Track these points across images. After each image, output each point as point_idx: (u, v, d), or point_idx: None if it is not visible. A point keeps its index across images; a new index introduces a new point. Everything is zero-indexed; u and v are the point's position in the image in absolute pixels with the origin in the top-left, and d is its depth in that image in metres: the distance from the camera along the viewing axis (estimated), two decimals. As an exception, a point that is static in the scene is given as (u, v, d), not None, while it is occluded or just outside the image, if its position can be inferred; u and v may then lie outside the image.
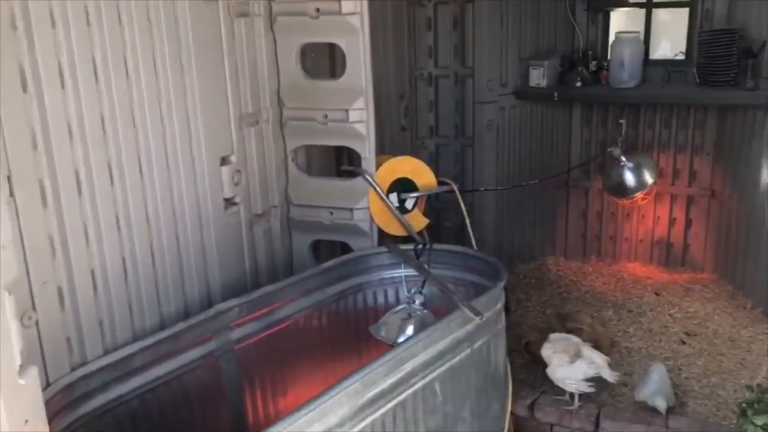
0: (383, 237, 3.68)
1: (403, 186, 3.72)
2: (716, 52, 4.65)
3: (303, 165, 3.76)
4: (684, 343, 4.34)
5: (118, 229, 2.73)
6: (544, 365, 3.64)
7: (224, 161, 3.26)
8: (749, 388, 2.99)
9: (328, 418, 2.33)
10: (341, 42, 3.41)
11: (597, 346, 3.83)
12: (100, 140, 2.60)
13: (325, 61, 3.88)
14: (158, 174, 2.90)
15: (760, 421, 2.75)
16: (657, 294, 4.98)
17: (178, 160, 3.00)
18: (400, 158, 3.75)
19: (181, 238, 3.06)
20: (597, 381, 3.54)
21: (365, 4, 3.29)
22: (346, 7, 3.29)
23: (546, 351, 3.61)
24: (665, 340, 4.37)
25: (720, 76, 4.65)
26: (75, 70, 2.47)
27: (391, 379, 2.58)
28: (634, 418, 3.52)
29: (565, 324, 4.14)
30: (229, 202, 3.32)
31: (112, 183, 2.67)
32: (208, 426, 2.98)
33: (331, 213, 3.64)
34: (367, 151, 3.50)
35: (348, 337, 3.56)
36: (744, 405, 2.89)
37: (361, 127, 3.46)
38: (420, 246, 3.52)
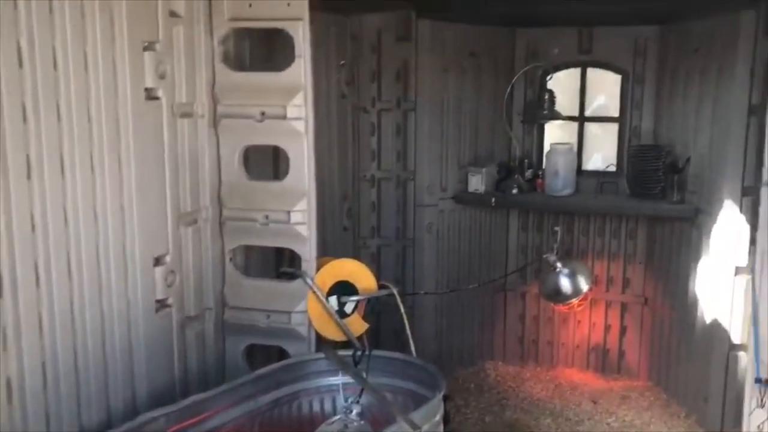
0: (321, 342, 3.59)
1: (344, 289, 3.66)
2: (644, 166, 4.88)
3: (241, 266, 3.68)
4: (622, 455, 4.32)
5: (41, 330, 2.57)
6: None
7: (158, 261, 3.16)
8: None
9: None
10: (286, 145, 3.43)
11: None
12: (29, 238, 2.48)
13: (268, 161, 3.88)
14: (87, 272, 2.77)
15: None
16: (594, 402, 4.98)
17: (110, 259, 2.89)
18: (341, 261, 3.72)
19: (107, 341, 2.90)
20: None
21: (310, 109, 3.34)
22: (292, 112, 3.32)
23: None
24: (604, 450, 4.34)
25: (648, 189, 4.86)
26: (7, 165, 2.38)
27: (324, 499, 2.44)
28: None
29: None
30: (161, 303, 3.20)
31: (38, 283, 2.54)
32: None
33: (268, 316, 3.54)
34: (308, 252, 3.47)
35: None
36: None
37: (302, 229, 3.44)
38: (359, 352, 3.43)
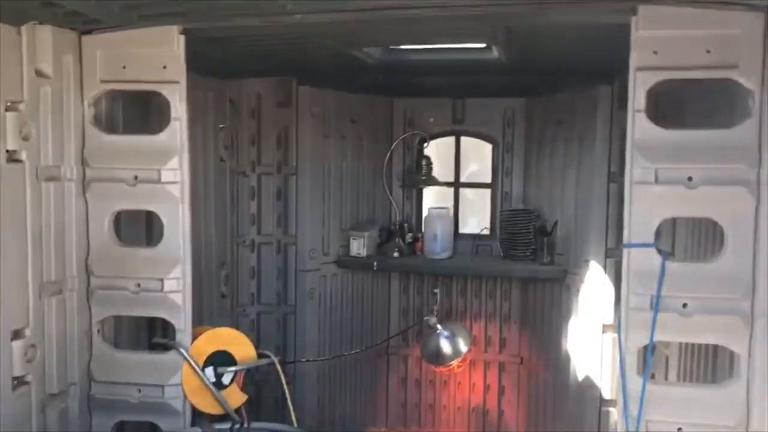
0: (197, 416, 3.42)
1: (221, 359, 3.53)
2: (515, 229, 5.10)
3: (110, 338, 3.48)
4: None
5: None
6: None
7: (17, 335, 2.92)
8: None
9: None
10: (160, 210, 3.32)
11: None
12: None
13: (141, 227, 3.74)
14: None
15: None
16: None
17: (-41, 335, 2.65)
18: (217, 330, 3.59)
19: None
20: None
21: (186, 173, 3.26)
22: (167, 176, 3.23)
23: None
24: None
25: (520, 251, 5.07)
26: None
27: None
28: None
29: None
30: (19, 381, 2.95)
31: None
32: None
33: (139, 390, 3.34)
34: (182, 322, 3.33)
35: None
36: None
37: (176, 297, 3.31)
38: (237, 425, 3.30)
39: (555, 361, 4.92)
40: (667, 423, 2.97)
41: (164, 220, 3.30)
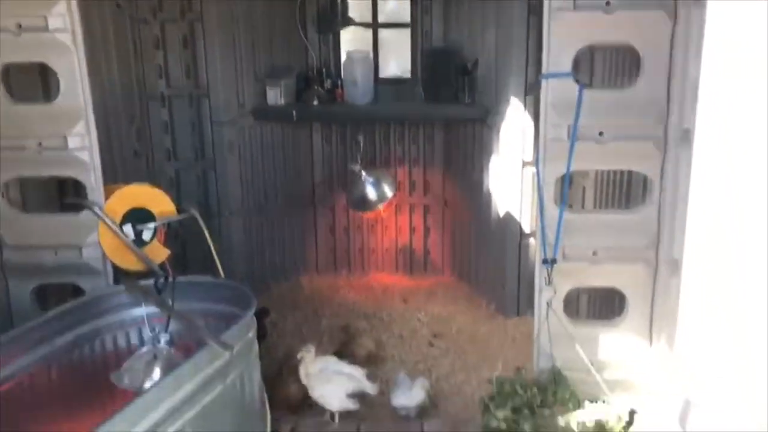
0: (120, 274, 3.36)
1: (139, 216, 3.42)
2: (436, 70, 4.99)
3: (17, 201, 3.30)
4: (432, 345, 4.57)
5: None
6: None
7: None
8: (490, 381, 3.20)
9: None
10: (52, 62, 3.05)
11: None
12: None
13: (36, 82, 3.46)
14: None
15: (500, 414, 2.94)
16: (405, 301, 5.20)
17: None
18: (132, 186, 3.45)
19: None
20: (357, 394, 3.56)
21: (77, 19, 2.98)
22: (54, 22, 2.95)
23: (302, 372, 3.56)
24: (415, 345, 4.57)
25: (442, 93, 4.99)
26: None
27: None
28: (392, 427, 3.60)
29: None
30: None
31: None
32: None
33: (56, 253, 3.24)
34: (92, 180, 3.18)
35: (89, 391, 3.18)
36: (486, 401, 3.08)
37: (83, 155, 3.14)
38: (162, 280, 3.26)
39: (477, 200, 5.03)
40: (583, 248, 3.11)
41: (58, 71, 3.05)
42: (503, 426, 2.90)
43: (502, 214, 4.70)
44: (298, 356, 3.55)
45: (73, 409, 3.10)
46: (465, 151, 5.19)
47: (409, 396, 3.66)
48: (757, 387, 2.05)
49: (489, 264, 5.02)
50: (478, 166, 4.96)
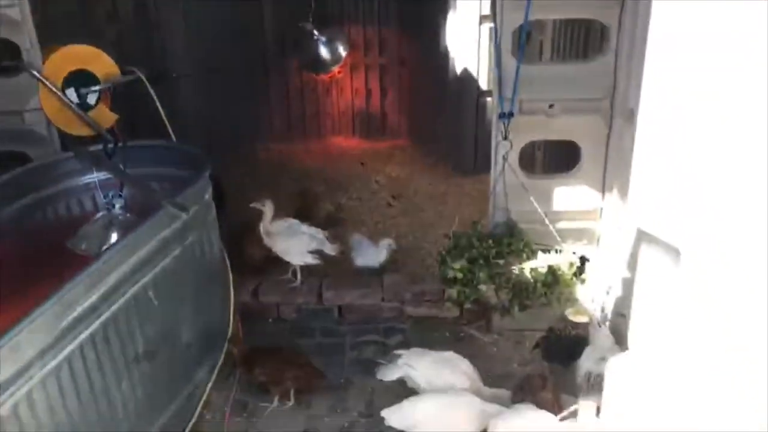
0: (67, 140, 3.24)
1: (82, 79, 3.25)
2: None
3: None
4: (390, 205, 4.62)
5: None
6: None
7: None
8: (447, 236, 3.27)
9: (24, 353, 2.05)
10: None
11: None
12: None
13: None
14: None
15: (457, 265, 3.02)
16: (362, 164, 5.19)
17: None
18: (72, 47, 3.24)
19: None
20: (319, 255, 3.62)
21: None
22: None
23: (262, 230, 3.58)
24: (374, 206, 4.62)
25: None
26: None
27: (96, 294, 2.33)
28: (353, 284, 3.69)
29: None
30: None
31: None
32: None
33: (-5, 119, 3.10)
34: (26, 41, 2.99)
35: (45, 258, 3.15)
36: (443, 254, 3.15)
37: (12, 12, 2.93)
38: (111, 145, 3.16)
39: (434, 59, 4.92)
40: (540, 101, 3.09)
41: None
42: (459, 276, 2.99)
43: (459, 71, 4.62)
44: (257, 205, 3.54)
45: (30, 275, 3.08)
46: (421, 8, 5.01)
47: (371, 256, 3.73)
48: (706, 227, 2.10)
49: (447, 125, 4.99)
50: (435, 23, 4.81)
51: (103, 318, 2.38)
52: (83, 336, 2.29)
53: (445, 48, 4.73)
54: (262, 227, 3.58)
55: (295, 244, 3.59)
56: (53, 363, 2.16)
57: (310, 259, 3.60)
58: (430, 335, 3.45)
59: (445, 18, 4.67)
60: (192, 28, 4.77)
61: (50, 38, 3.36)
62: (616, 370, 0.96)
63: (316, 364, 3.16)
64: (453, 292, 3.07)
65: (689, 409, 1.73)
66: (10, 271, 2.98)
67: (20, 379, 2.05)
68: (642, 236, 2.60)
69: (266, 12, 5.31)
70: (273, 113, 5.64)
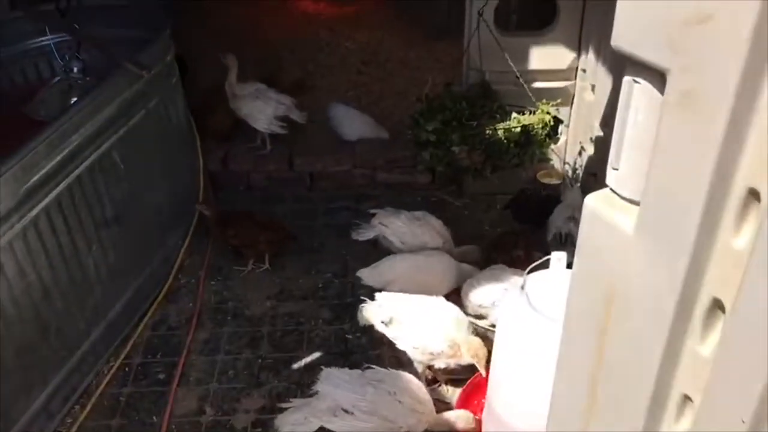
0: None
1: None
2: None
3: None
4: (360, 72, 4.49)
5: None
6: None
7: None
8: (419, 99, 3.19)
9: (-13, 214, 2.00)
10: None
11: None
12: None
13: None
14: None
15: (430, 126, 2.97)
16: (331, 29, 4.99)
17: None
18: None
19: None
20: (286, 123, 3.54)
21: None
22: None
23: (228, 92, 3.49)
24: (344, 73, 4.48)
25: None
26: None
27: (57, 157, 2.26)
28: (324, 151, 3.64)
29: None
30: None
31: None
32: None
33: None
34: None
35: (1, 128, 3.04)
36: (416, 116, 3.09)
37: None
38: (64, 4, 2.97)
39: None
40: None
41: None
42: (432, 138, 2.95)
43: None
44: (222, 59, 3.42)
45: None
46: None
47: (358, 127, 3.67)
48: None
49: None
50: None
51: (67, 181, 2.33)
52: (48, 200, 2.24)
53: None
54: (227, 85, 3.47)
55: (262, 108, 3.49)
56: (18, 226, 2.12)
57: (277, 127, 3.52)
58: (403, 201, 3.46)
59: None
60: None
61: None
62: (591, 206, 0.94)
63: (286, 224, 3.16)
64: (426, 154, 3.04)
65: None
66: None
67: (-14, 242, 2.02)
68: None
69: None
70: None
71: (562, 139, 3.30)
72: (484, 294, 2.61)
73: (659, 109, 0.96)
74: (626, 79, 1.03)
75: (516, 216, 3.27)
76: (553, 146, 3.16)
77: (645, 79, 0.98)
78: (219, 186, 3.52)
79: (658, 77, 0.95)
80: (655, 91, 0.94)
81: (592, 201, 1.07)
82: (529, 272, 1.95)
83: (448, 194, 3.57)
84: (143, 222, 2.79)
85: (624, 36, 0.96)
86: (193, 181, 3.25)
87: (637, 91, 1.00)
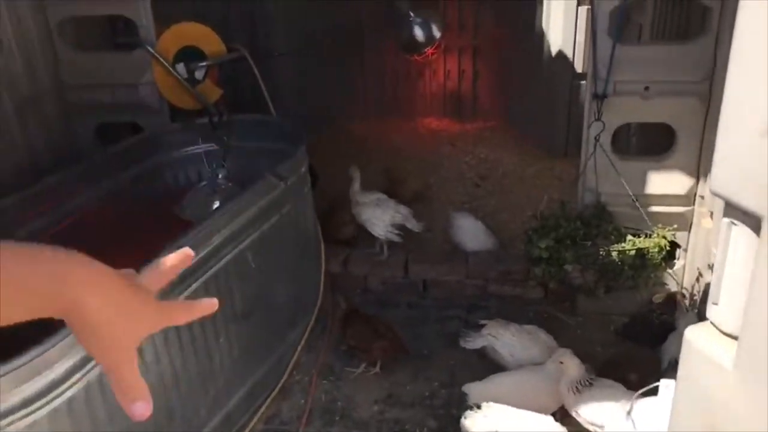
0: (176, 113, 3.46)
1: (191, 55, 3.47)
2: None
3: (73, 41, 3.37)
4: (478, 186, 4.66)
5: None
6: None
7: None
8: (534, 216, 3.29)
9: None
10: None
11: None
12: None
13: None
14: None
15: (543, 244, 3.04)
16: (452, 145, 5.24)
17: None
18: (182, 24, 3.47)
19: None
20: (403, 231, 3.72)
21: None
22: None
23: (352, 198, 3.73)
24: (461, 186, 4.66)
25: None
26: None
27: (200, 254, 2.51)
28: (438, 260, 3.77)
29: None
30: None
31: None
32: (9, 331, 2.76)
33: (113, 91, 3.34)
34: (142, 17, 3.20)
35: (151, 223, 3.38)
36: (530, 233, 3.18)
37: (131, -9, 3.14)
38: (216, 118, 3.36)
39: (529, 40, 4.89)
40: (635, 82, 3.05)
41: None
42: (545, 255, 3.01)
43: (554, 53, 4.59)
44: (348, 170, 3.73)
45: (138, 240, 3.32)
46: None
47: (470, 239, 3.80)
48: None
49: (538, 106, 4.96)
50: (532, 4, 4.78)
51: (205, 277, 2.55)
52: (187, 293, 2.47)
53: (541, 29, 4.69)
54: (351, 193, 3.73)
55: (381, 215, 3.70)
56: (161, 314, 2.34)
57: (394, 235, 3.71)
58: (514, 314, 3.48)
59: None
60: (293, 8, 4.92)
61: (161, 16, 3.59)
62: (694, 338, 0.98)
63: (401, 334, 3.26)
64: (538, 270, 3.10)
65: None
66: (122, 233, 3.23)
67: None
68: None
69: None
70: (365, 92, 5.75)
71: (679, 263, 3.26)
72: (596, 411, 2.56)
73: (755, 249, 1.02)
74: (724, 221, 1.11)
75: (630, 339, 3.21)
76: (669, 271, 3.13)
77: (742, 221, 1.05)
78: (338, 287, 3.70)
79: (754, 220, 1.02)
80: (752, 233, 1.00)
81: (693, 334, 1.11)
82: (637, 397, 1.94)
83: (561, 311, 3.57)
84: (267, 319, 2.99)
85: (722, 183, 1.05)
86: (315, 281, 3.45)
87: (734, 232, 1.07)
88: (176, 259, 0.83)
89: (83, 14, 3.33)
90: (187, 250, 0.84)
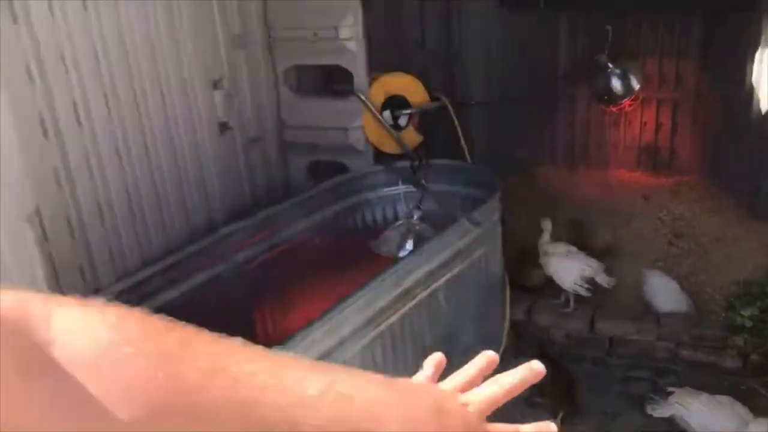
0: (379, 155, 3.71)
1: (396, 103, 3.72)
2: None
3: (294, 86, 3.74)
4: (672, 244, 4.47)
5: (119, 157, 2.74)
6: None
7: (216, 85, 3.24)
8: (737, 283, 3.12)
9: (341, 330, 2.43)
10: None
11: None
12: (95, 70, 2.57)
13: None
14: (153, 101, 2.88)
15: (747, 312, 2.88)
16: (645, 198, 5.07)
17: (171, 86, 2.98)
18: (392, 75, 3.73)
19: (180, 164, 3.08)
20: (592, 285, 3.67)
21: None
22: None
23: (540, 249, 3.74)
24: (655, 243, 4.50)
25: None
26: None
27: (396, 292, 2.67)
28: (627, 317, 3.67)
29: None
30: (224, 126, 3.32)
31: (109, 113, 2.66)
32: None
33: (326, 133, 3.65)
34: (358, 68, 3.49)
35: (350, 255, 3.63)
36: (732, 299, 3.02)
37: (351, 45, 3.44)
38: (416, 162, 3.56)
39: (736, 95, 4.66)
40: None
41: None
42: (748, 324, 2.85)
43: (764, 108, 4.33)
44: (541, 222, 3.81)
45: (338, 269, 3.58)
46: (726, 43, 4.78)
47: (664, 299, 3.68)
48: None
49: (743, 164, 4.68)
50: (741, 58, 4.56)
51: (399, 314, 2.71)
52: (382, 327, 2.64)
53: (749, 86, 4.46)
54: (540, 244, 3.74)
55: (569, 267, 3.68)
56: (359, 344, 2.52)
57: (583, 289, 3.66)
58: (706, 383, 3.31)
59: (753, 52, 4.41)
60: (490, 59, 5.08)
61: (372, 65, 3.87)
62: None
63: (582, 392, 3.22)
64: (739, 339, 2.93)
65: None
66: (325, 262, 3.51)
67: (335, 353, 2.44)
68: None
69: (561, 44, 5.45)
70: (557, 141, 5.74)
71: None
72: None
73: None
74: None
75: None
76: None
77: None
78: (520, 335, 3.72)
79: None
80: None
81: None
82: None
83: (762, 385, 3.33)
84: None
85: None
86: (498, 327, 3.50)
87: None
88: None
89: (306, 63, 3.68)
90: (489, 353, 0.82)
